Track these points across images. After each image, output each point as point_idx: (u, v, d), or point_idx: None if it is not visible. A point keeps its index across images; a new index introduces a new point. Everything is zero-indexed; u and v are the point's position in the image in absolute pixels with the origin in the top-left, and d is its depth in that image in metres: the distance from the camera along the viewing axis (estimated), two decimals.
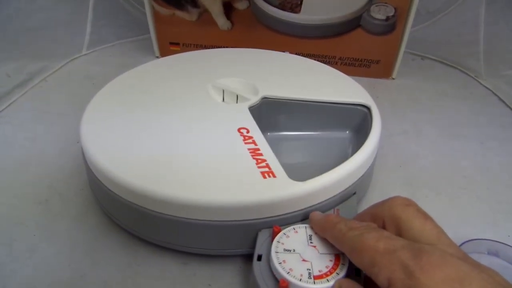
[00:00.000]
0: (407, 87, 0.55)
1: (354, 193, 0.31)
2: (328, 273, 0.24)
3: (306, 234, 0.27)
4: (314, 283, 0.23)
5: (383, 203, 0.24)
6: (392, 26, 0.52)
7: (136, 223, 0.30)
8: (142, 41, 0.65)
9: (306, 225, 0.27)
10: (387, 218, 0.23)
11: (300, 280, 0.23)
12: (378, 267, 0.20)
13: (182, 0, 0.54)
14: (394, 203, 0.24)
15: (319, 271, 0.24)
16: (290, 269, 0.24)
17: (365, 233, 0.22)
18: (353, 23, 0.53)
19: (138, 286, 0.29)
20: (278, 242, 0.26)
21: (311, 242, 0.26)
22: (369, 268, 0.21)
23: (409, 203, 0.23)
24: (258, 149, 0.31)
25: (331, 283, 0.23)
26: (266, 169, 0.29)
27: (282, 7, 0.53)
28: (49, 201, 0.36)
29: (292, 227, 0.27)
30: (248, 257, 0.30)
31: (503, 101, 0.52)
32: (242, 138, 0.32)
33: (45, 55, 0.58)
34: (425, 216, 0.22)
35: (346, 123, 0.38)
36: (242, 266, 0.30)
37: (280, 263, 0.25)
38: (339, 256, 0.25)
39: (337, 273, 0.24)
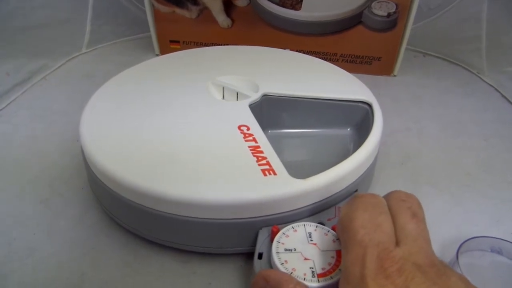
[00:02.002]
0: (409, 84, 0.55)
1: (356, 191, 0.31)
2: (331, 270, 0.24)
3: (306, 232, 0.26)
4: (319, 281, 0.23)
5: (386, 195, 0.24)
6: (393, 22, 0.51)
7: (136, 221, 0.30)
8: (142, 39, 0.64)
9: (305, 223, 0.27)
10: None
11: (304, 279, 0.23)
12: (347, 250, 0.21)
13: None
14: (392, 196, 0.24)
15: (322, 268, 0.24)
16: (293, 269, 0.24)
17: None
18: (354, 20, 0.52)
19: (138, 285, 0.29)
20: (278, 242, 0.26)
21: (311, 240, 0.26)
22: (343, 249, 0.22)
23: (405, 199, 0.23)
24: (259, 147, 0.30)
25: (335, 279, 0.23)
26: (267, 167, 0.29)
27: (282, 4, 0.52)
28: (49, 200, 0.35)
29: (291, 226, 0.27)
30: (249, 255, 0.30)
31: (506, 98, 0.52)
32: (242, 135, 0.32)
33: (45, 54, 0.57)
34: (413, 215, 0.22)
35: (348, 120, 0.38)
36: (242, 264, 0.30)
37: (282, 263, 0.24)
38: (340, 252, 0.25)
39: (340, 270, 0.24)
